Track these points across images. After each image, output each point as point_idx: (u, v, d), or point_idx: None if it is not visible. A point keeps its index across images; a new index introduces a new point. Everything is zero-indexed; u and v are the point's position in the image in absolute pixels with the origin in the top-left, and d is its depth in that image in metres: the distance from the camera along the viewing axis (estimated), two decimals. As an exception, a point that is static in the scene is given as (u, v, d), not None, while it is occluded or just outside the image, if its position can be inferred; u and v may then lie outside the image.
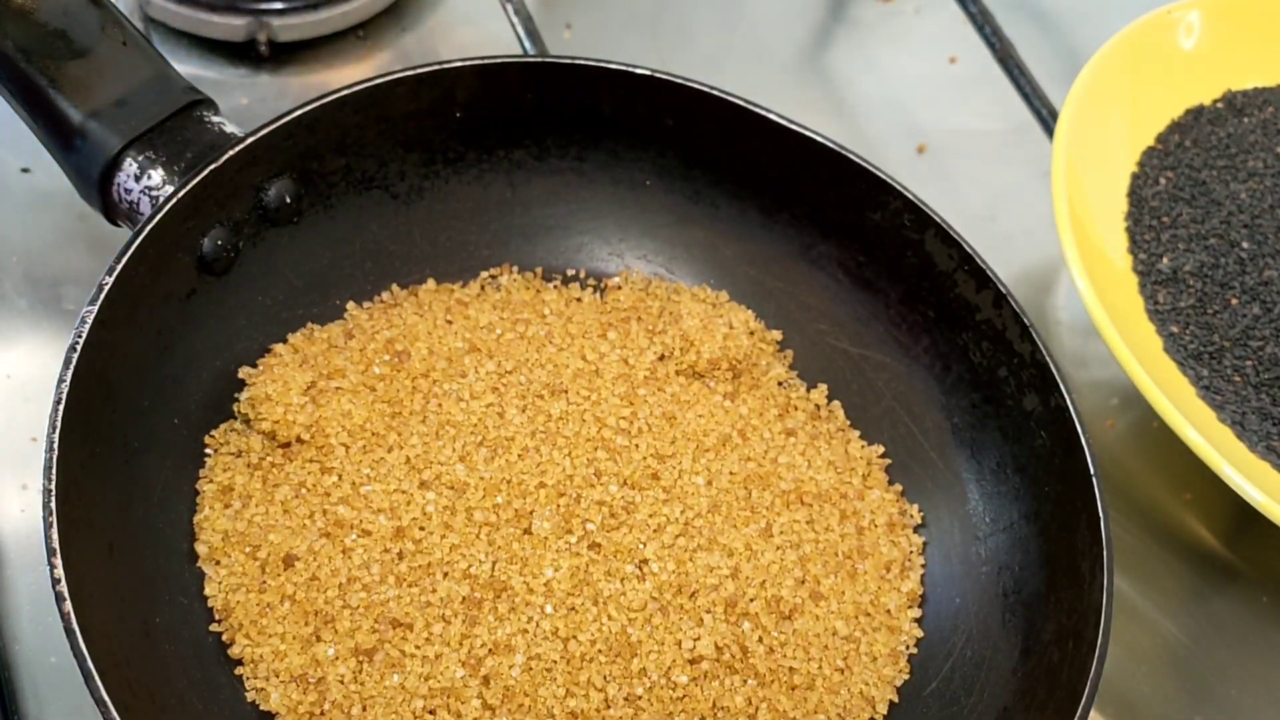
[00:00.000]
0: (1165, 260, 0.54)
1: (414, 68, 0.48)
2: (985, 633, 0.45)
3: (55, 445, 0.38)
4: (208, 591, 0.42)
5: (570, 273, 0.53)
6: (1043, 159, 0.56)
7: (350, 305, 0.50)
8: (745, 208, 0.53)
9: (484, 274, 0.52)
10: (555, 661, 0.42)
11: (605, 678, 0.42)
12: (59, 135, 0.45)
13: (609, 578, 0.44)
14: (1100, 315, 0.48)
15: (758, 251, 0.53)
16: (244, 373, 0.47)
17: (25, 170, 0.57)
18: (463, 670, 0.41)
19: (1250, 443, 0.49)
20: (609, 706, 0.42)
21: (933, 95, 0.69)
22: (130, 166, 0.44)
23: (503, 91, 0.50)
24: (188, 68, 0.60)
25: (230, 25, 0.60)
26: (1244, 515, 0.50)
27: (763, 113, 0.50)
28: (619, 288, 0.53)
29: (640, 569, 0.44)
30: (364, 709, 0.40)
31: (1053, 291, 0.62)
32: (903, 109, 0.68)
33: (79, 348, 0.39)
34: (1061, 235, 0.50)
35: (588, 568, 0.44)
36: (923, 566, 0.48)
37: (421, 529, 0.44)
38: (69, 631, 0.35)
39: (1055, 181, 0.52)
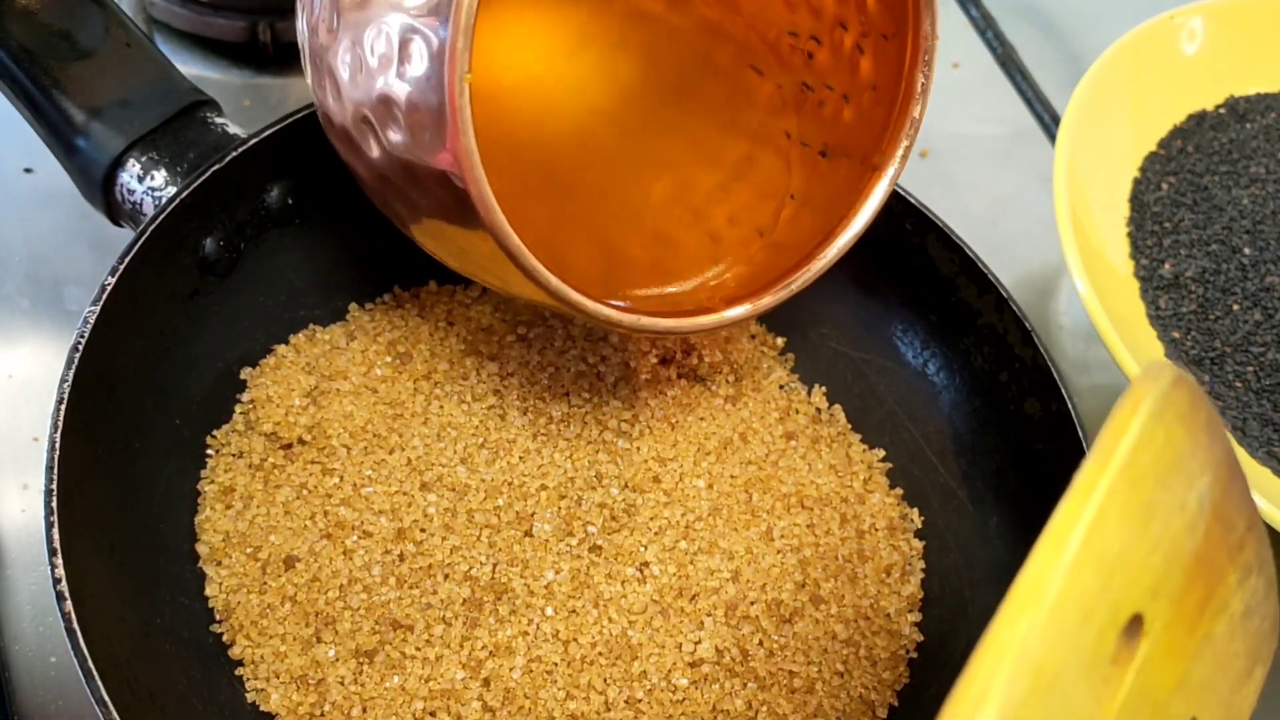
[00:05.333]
0: (1167, 265, 0.54)
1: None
2: (985, 637, 0.45)
3: (57, 445, 0.38)
4: (208, 592, 0.42)
5: (572, 275, 0.53)
6: (1045, 164, 0.56)
7: (352, 307, 0.50)
8: (747, 211, 0.53)
9: (486, 276, 0.52)
10: (556, 664, 0.42)
11: (605, 680, 0.42)
12: (62, 136, 0.45)
13: (610, 580, 0.44)
14: (1102, 320, 0.48)
15: (760, 255, 0.53)
16: (246, 374, 0.47)
17: (28, 170, 0.57)
18: (463, 672, 0.41)
19: (1251, 448, 0.49)
20: (609, 709, 0.42)
21: (935, 100, 0.69)
22: (133, 167, 0.44)
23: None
24: (191, 68, 0.60)
25: (234, 26, 0.60)
26: (1245, 521, 0.50)
27: (765, 116, 0.50)
28: (621, 290, 0.53)
29: (641, 572, 0.44)
30: (364, 710, 0.40)
31: (1054, 296, 0.62)
32: (905, 113, 0.68)
33: (81, 348, 0.39)
34: (1063, 240, 0.50)
35: (588, 570, 0.44)
36: (923, 571, 0.47)
37: (422, 531, 0.44)
38: (69, 631, 0.35)
39: (1057, 186, 0.52)
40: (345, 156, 0.40)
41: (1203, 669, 0.30)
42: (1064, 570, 0.25)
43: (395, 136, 0.36)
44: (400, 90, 0.35)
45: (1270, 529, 0.46)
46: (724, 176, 0.47)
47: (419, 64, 0.34)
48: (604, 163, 0.47)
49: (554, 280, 0.37)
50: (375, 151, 0.37)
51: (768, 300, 0.43)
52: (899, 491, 0.49)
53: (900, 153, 0.43)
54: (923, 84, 0.42)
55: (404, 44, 0.34)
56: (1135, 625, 0.27)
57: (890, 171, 0.43)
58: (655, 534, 0.45)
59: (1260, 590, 0.32)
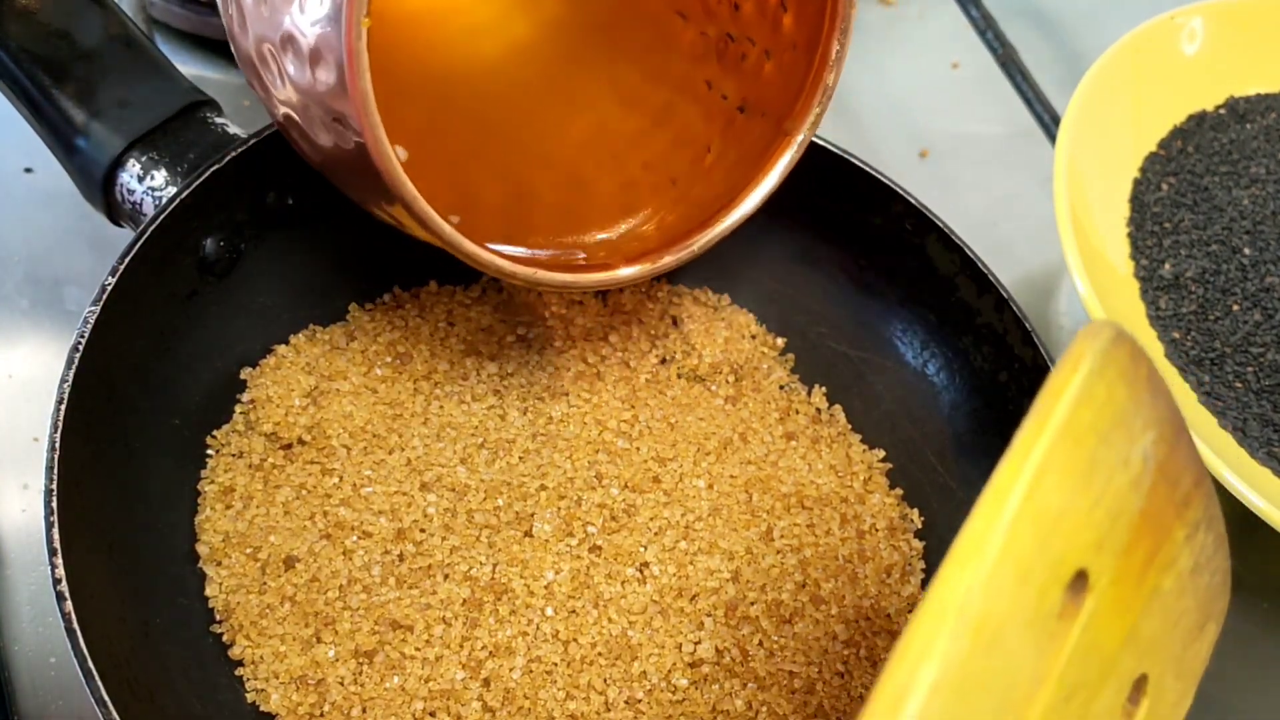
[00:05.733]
0: (1167, 266, 0.54)
1: (417, 70, 0.48)
2: (985, 637, 0.45)
3: (56, 445, 0.38)
4: (208, 592, 0.42)
5: (572, 275, 0.53)
6: (1045, 164, 0.56)
7: (352, 307, 0.50)
8: (747, 211, 0.53)
9: (486, 277, 0.52)
10: (555, 664, 0.42)
11: (605, 680, 0.42)
12: (62, 135, 0.45)
13: (609, 581, 0.44)
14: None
15: (759, 255, 0.53)
16: (246, 374, 0.47)
17: (28, 170, 0.57)
18: (463, 672, 0.41)
19: (1251, 449, 0.49)
20: (609, 709, 0.42)
21: (935, 100, 0.69)
22: (133, 167, 0.44)
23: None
24: (191, 68, 0.60)
25: (234, 26, 0.60)
26: (1245, 521, 0.50)
27: (765, 116, 0.50)
28: (620, 291, 0.53)
29: (641, 572, 0.44)
30: (364, 711, 0.40)
31: (1054, 296, 0.62)
32: (905, 114, 0.68)
33: (81, 348, 0.39)
34: (1063, 240, 0.50)
35: (588, 570, 0.44)
36: (923, 571, 0.47)
37: (422, 531, 0.44)
38: (69, 631, 0.35)
39: (1057, 186, 0.52)
40: (253, 88, 0.40)
41: (1151, 624, 0.30)
42: (1004, 528, 0.25)
43: (294, 73, 0.35)
44: (299, 26, 0.34)
45: (1271, 529, 0.46)
46: (643, 122, 0.47)
47: (317, 2, 0.33)
48: (520, 98, 0.47)
49: (447, 229, 0.38)
50: (278, 86, 0.37)
51: (667, 260, 0.44)
52: (899, 492, 0.49)
53: (811, 119, 0.43)
54: (837, 51, 0.42)
55: None
56: (1081, 581, 0.27)
57: (800, 138, 0.44)
58: (655, 534, 0.45)
59: (1209, 547, 0.32)
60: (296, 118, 0.37)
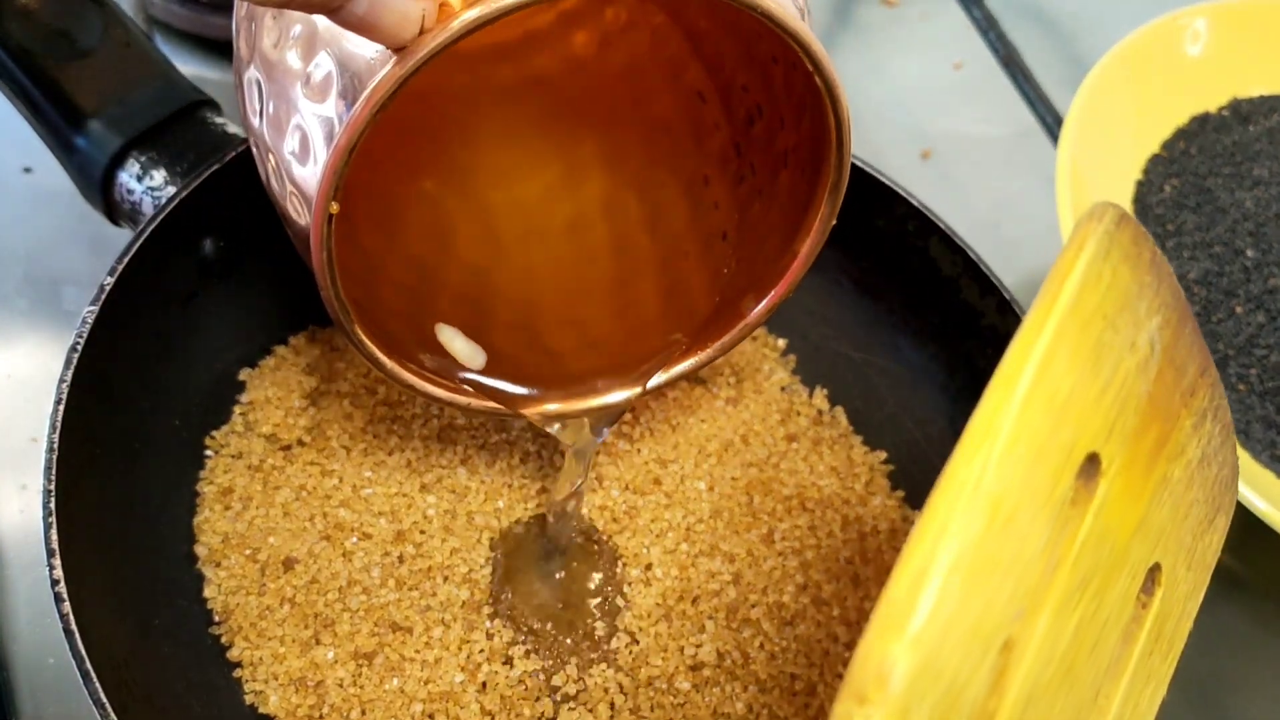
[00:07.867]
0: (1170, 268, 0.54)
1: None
2: (988, 640, 0.45)
3: (55, 446, 0.37)
4: (207, 593, 0.42)
5: (573, 276, 0.53)
6: (1047, 165, 0.55)
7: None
8: (749, 212, 0.52)
9: (486, 277, 0.52)
10: (555, 667, 0.42)
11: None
12: (61, 135, 0.45)
13: (610, 583, 0.44)
14: (1105, 322, 0.48)
15: (761, 256, 0.53)
16: (245, 375, 0.47)
17: (27, 170, 0.57)
18: (462, 674, 0.41)
19: (1255, 452, 0.49)
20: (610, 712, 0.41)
21: (937, 101, 0.69)
22: (132, 166, 0.44)
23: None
24: (190, 68, 0.60)
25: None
26: (1249, 524, 0.50)
27: (767, 117, 0.50)
28: (622, 291, 0.52)
29: (643, 574, 0.44)
30: (363, 713, 0.40)
31: (1057, 298, 0.62)
32: (907, 114, 0.68)
33: (80, 348, 0.39)
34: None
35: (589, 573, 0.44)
36: (925, 573, 0.47)
37: (422, 532, 0.44)
38: (67, 632, 0.35)
39: (1060, 187, 0.52)
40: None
41: (1161, 514, 0.30)
42: (1015, 409, 0.25)
43: (274, 184, 0.35)
44: (283, 156, 0.34)
45: (1274, 531, 0.45)
46: (632, 193, 0.45)
47: (299, 148, 0.33)
48: (512, 158, 0.44)
49: (388, 364, 0.38)
50: (262, 174, 0.37)
51: (573, 406, 0.42)
52: (901, 494, 0.49)
53: (765, 310, 0.42)
54: (807, 253, 0.40)
55: (293, 125, 0.33)
56: (1093, 467, 0.27)
57: (748, 321, 0.42)
58: (656, 536, 0.45)
59: (1217, 437, 0.32)
60: (276, 209, 0.37)
